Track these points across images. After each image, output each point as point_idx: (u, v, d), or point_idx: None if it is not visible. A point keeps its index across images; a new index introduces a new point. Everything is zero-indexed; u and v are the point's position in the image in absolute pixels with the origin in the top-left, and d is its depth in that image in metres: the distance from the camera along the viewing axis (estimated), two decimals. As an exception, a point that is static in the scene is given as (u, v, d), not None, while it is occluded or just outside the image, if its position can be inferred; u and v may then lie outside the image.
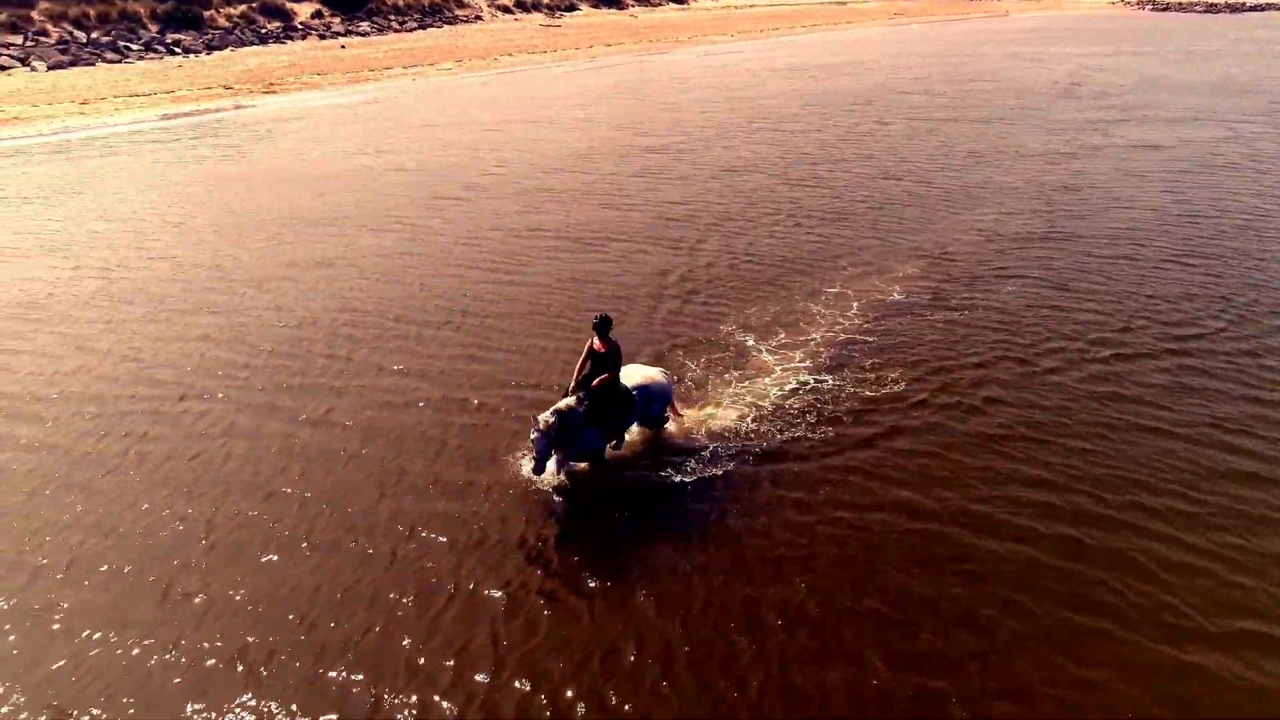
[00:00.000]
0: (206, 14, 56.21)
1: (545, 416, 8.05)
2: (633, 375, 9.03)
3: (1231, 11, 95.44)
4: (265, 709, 6.18)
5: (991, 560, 7.58)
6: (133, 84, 41.49)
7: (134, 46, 50.52)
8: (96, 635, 6.91)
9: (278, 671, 6.51)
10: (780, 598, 7.15)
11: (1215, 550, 7.69)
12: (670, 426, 9.45)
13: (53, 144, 29.85)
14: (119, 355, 12.16)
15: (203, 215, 19.80)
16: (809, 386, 10.51)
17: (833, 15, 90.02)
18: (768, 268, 15.07)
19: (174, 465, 9.37)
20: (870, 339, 11.86)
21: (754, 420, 9.70)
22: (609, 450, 8.93)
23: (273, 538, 8.10)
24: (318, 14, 63.21)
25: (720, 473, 8.78)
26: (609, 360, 8.42)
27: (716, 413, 9.89)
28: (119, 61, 48.56)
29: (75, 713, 6.20)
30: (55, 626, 7.00)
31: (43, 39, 47.93)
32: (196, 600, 7.31)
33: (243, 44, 55.91)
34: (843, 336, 11.92)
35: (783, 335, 12.00)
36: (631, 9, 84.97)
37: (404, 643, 6.79)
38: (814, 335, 11.95)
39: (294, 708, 6.18)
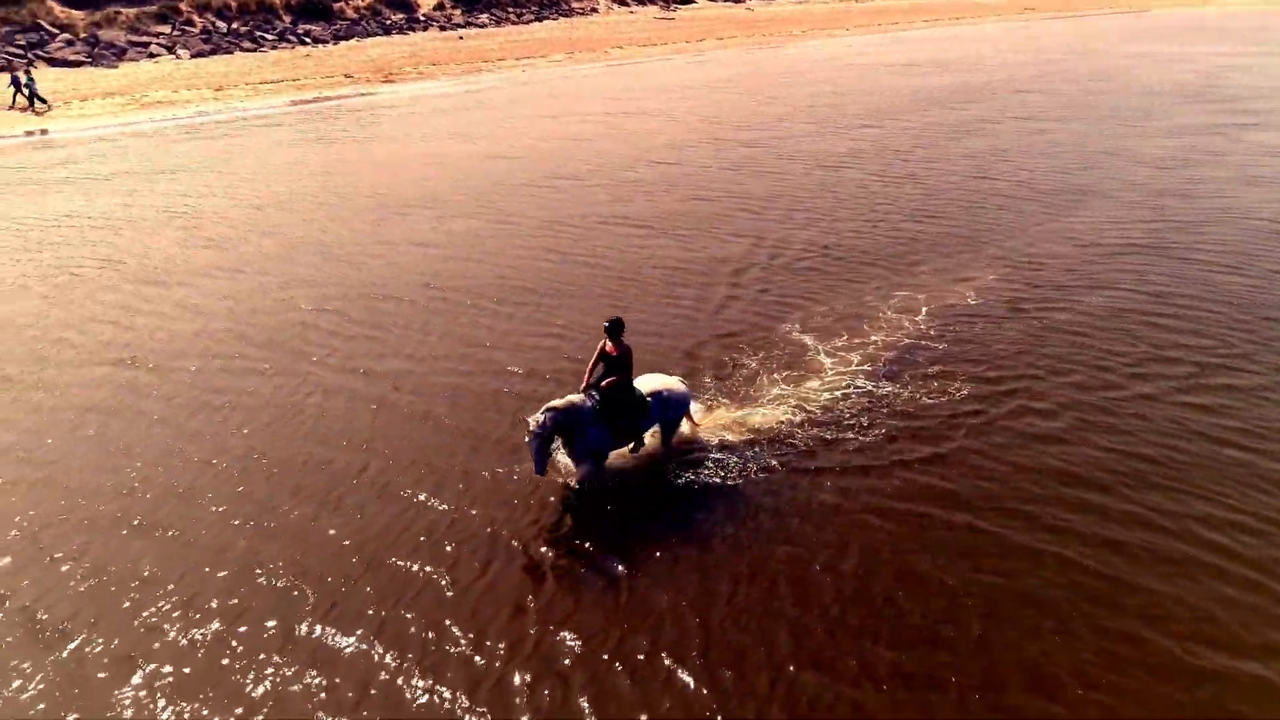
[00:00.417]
0: (336, 5, 58.88)
1: (537, 416, 7.91)
2: (649, 382, 8.92)
3: None
4: (319, 630, 6.66)
5: (1029, 558, 7.41)
6: (264, 72, 44.02)
7: (268, 36, 53.52)
8: (193, 559, 7.59)
9: (327, 600, 7.00)
10: (804, 598, 7.15)
11: (1273, 567, 7.32)
12: (684, 430, 9.33)
13: (188, 126, 32.06)
14: (227, 320, 13.22)
15: (313, 195, 21.05)
16: (862, 390, 10.35)
17: (957, 9, 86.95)
18: (844, 266, 14.89)
19: (268, 415, 10.31)
20: (937, 345, 11.58)
21: (798, 421, 9.62)
22: (627, 454, 8.89)
23: (352, 487, 8.79)
24: (439, 6, 65.25)
25: (754, 471, 8.75)
26: (620, 363, 8.38)
27: (758, 411, 9.84)
28: (254, 50, 51.56)
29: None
30: (165, 535, 7.72)
31: (189, 29, 51.26)
32: (276, 535, 8.04)
33: (368, 34, 58.39)
34: (907, 341, 11.68)
35: (844, 336, 11.85)
36: (748, 2, 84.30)
37: (446, 594, 7.26)
38: (876, 338, 11.74)
39: (343, 635, 6.65)
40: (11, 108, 34.17)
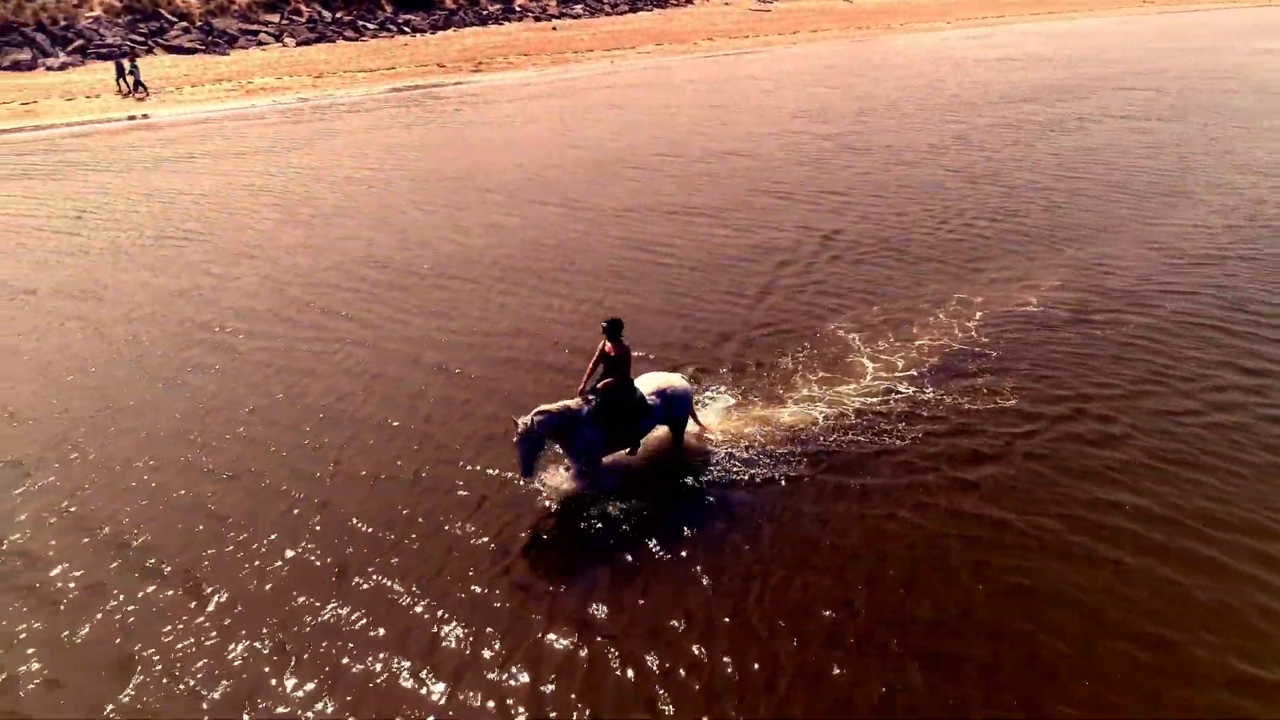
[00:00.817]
0: (435, -4, 60.35)
1: (526, 419, 7.83)
2: (651, 381, 8.75)
3: None
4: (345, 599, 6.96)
5: (1057, 581, 7.09)
6: (362, 60, 45.52)
7: (370, 25, 55.28)
8: (231, 521, 8.03)
9: (349, 574, 7.27)
10: (819, 601, 7.01)
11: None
12: (691, 429, 9.16)
13: (287, 111, 33.44)
14: (303, 299, 13.88)
15: (397, 179, 21.78)
16: (903, 395, 10.04)
17: (1069, 2, 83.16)
18: (904, 265, 14.49)
19: (341, 382, 10.94)
20: (989, 352, 11.13)
21: (830, 423, 9.41)
22: (625, 455, 8.75)
23: (412, 453, 9.23)
24: (535, -4, 66.14)
25: (776, 471, 8.61)
26: (618, 363, 8.22)
27: (788, 410, 9.68)
28: (356, 39, 53.35)
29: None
30: (243, 481, 8.20)
31: (296, 18, 53.38)
32: (315, 506, 8.43)
33: (464, 24, 59.70)
34: (957, 347, 11.27)
35: (891, 338, 11.52)
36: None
37: (468, 573, 7.44)
38: (923, 341, 11.37)
39: (397, 584, 6.91)
40: (119, 93, 36.25)
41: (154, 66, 42.87)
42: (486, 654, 6.58)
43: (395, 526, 8.09)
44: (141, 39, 46.56)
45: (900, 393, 10.14)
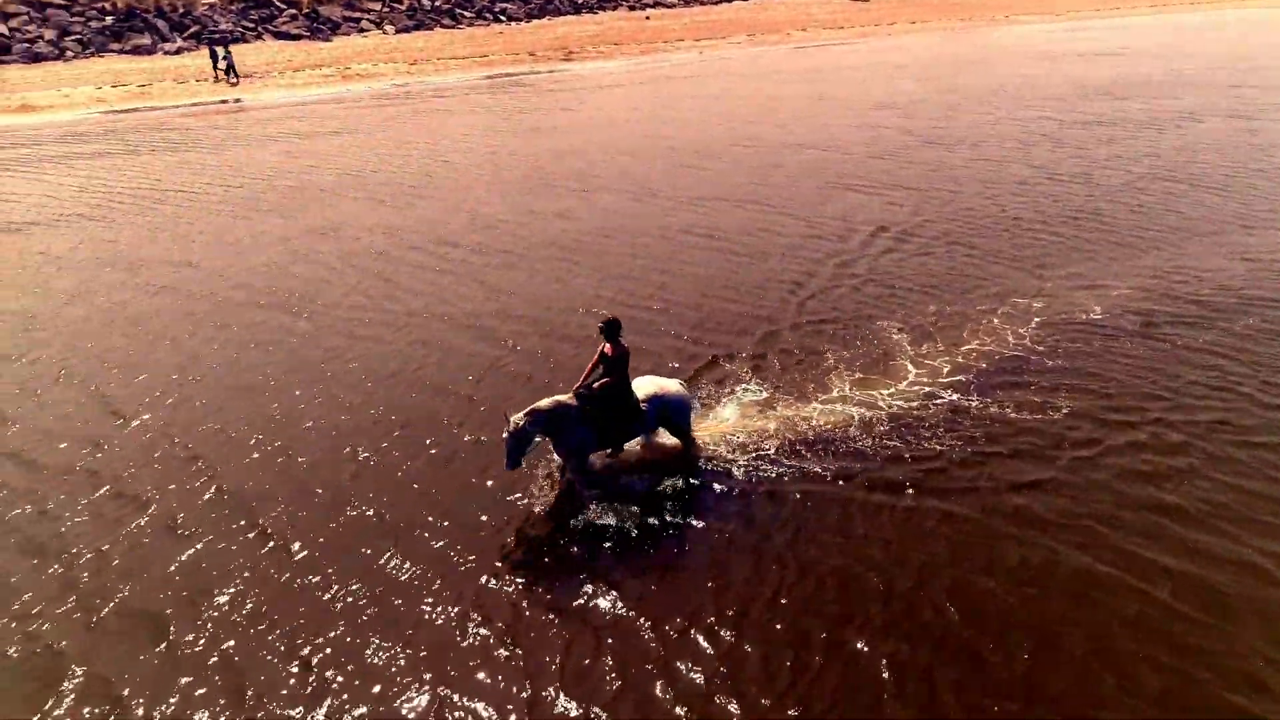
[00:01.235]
0: (532, -15, 61.06)
1: (518, 417, 7.83)
2: (645, 386, 8.56)
3: None
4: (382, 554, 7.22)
5: (1100, 586, 6.73)
6: (456, 48, 46.51)
7: (467, 13, 56.40)
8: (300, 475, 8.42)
9: (408, 532, 7.52)
10: (839, 609, 6.87)
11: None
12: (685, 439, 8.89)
13: (379, 95, 34.49)
14: (377, 276, 14.52)
15: (474, 164, 22.36)
16: (944, 400, 9.68)
17: (1195, -7, 78.36)
18: (970, 265, 13.95)
19: (393, 361, 11.32)
20: (1044, 361, 10.61)
21: (863, 425, 9.14)
22: (606, 456, 8.64)
23: (452, 437, 9.43)
24: (630, -14, 66.22)
25: (799, 472, 8.43)
26: (614, 364, 8.09)
27: (816, 409, 9.44)
28: (453, 27, 54.53)
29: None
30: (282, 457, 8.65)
31: (397, 5, 54.88)
32: (362, 463, 8.72)
33: (559, 13, 60.27)
34: (1009, 353, 10.79)
35: (939, 340, 11.14)
36: (952, -17, 79.79)
37: (499, 546, 7.56)
38: (973, 346, 10.94)
39: (412, 565, 7.14)
40: (213, 79, 37.97)
41: (261, 52, 44.83)
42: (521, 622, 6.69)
43: (449, 491, 8.36)
44: (252, 25, 48.69)
45: (941, 399, 9.77)
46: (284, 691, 6.27)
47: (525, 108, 31.33)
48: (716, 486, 8.32)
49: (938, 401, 9.72)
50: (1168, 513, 7.81)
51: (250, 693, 6.26)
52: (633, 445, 8.85)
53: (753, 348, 11.16)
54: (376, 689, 6.25)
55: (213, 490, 8.63)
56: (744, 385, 10.10)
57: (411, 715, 6.04)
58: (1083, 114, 26.77)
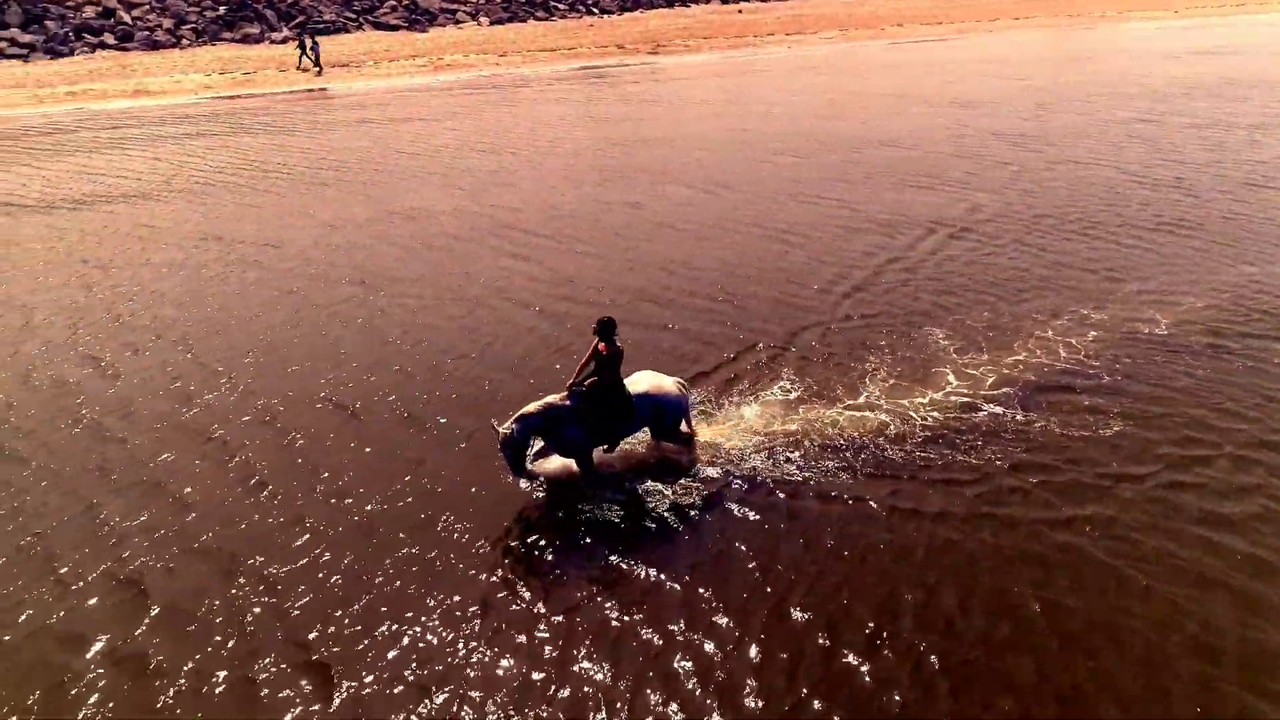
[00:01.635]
0: (626, -22, 61.26)
1: (507, 425, 7.80)
2: (641, 383, 8.42)
3: None
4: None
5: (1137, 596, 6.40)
6: (547, 40, 47.08)
7: (560, 5, 57.00)
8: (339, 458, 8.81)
9: (435, 520, 7.77)
10: (863, 621, 6.74)
11: None
12: (683, 441, 8.74)
13: (468, 84, 35.26)
14: (450, 258, 15.04)
15: (546, 152, 22.89)
16: (984, 413, 9.26)
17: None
18: (1035, 271, 13.34)
19: (460, 342, 11.63)
20: (1099, 377, 9.99)
21: (893, 434, 8.83)
22: (600, 454, 8.54)
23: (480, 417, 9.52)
24: (725, -21, 65.73)
25: (809, 474, 8.23)
26: (606, 363, 8.01)
27: (841, 413, 9.19)
28: (546, 19, 55.22)
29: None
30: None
31: (492, -2, 55.92)
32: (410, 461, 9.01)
33: (652, 6, 60.32)
34: (1061, 366, 10.27)
35: (986, 349, 10.70)
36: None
37: (522, 527, 7.72)
38: (1021, 356, 10.46)
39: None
40: (299, 68, 39.33)
41: (360, 42, 46.36)
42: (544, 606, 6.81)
43: (477, 483, 8.47)
44: (354, 16, 50.39)
45: (980, 411, 9.36)
46: (332, 629, 6.65)
47: (606, 99, 31.53)
48: (730, 487, 8.19)
49: (977, 414, 9.33)
50: (1226, 555, 7.22)
51: (301, 625, 6.66)
52: (635, 445, 8.79)
53: (792, 342, 11.07)
54: (415, 630, 6.61)
55: (288, 449, 9.13)
56: (779, 383, 9.93)
57: (440, 664, 6.29)
58: (1187, 116, 25.29)
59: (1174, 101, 27.67)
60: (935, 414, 9.30)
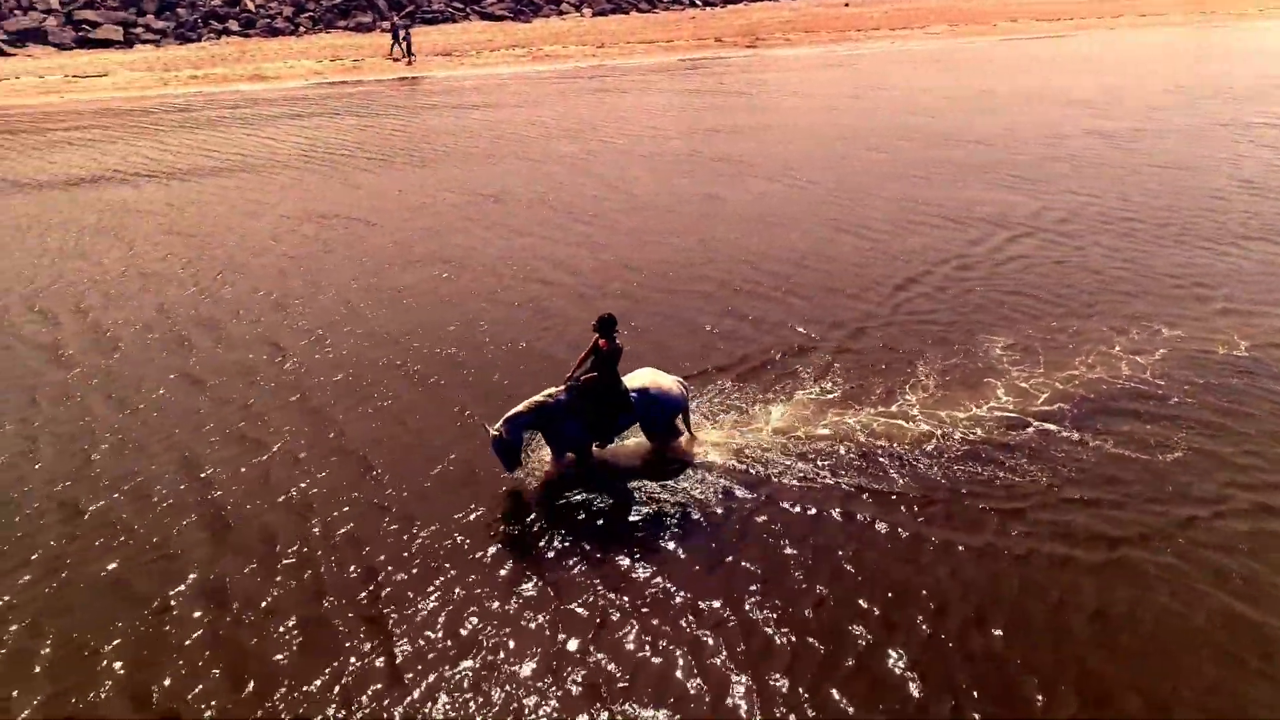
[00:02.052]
0: (731, -31, 60.66)
1: (497, 427, 7.86)
2: (637, 379, 8.33)
3: None
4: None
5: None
6: (646, 32, 47.19)
7: (663, -2, 56.95)
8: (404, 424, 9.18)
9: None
10: (889, 630, 6.59)
11: None
12: (681, 442, 8.61)
13: (564, 74, 35.72)
14: (525, 243, 15.32)
15: (631, 142, 23.04)
16: (1031, 429, 8.85)
17: None
18: (1115, 279, 12.69)
19: (521, 331, 11.73)
20: (1165, 398, 9.34)
21: (930, 447, 8.53)
22: (595, 449, 8.50)
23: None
24: (833, -29, 64.30)
25: (825, 480, 8.07)
26: (604, 359, 8.00)
27: (873, 419, 8.95)
28: (649, 11, 55.31)
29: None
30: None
31: (597, -11, 56.27)
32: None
33: (755, -1, 59.58)
34: (1121, 384, 9.70)
35: (1043, 362, 10.20)
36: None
37: (529, 515, 7.82)
38: (1079, 371, 9.92)
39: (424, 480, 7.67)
40: (390, 57, 40.34)
41: (466, 32, 47.50)
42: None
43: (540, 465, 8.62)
44: (460, 6, 51.62)
45: (1028, 427, 8.96)
46: (360, 596, 6.94)
47: (698, 90, 31.41)
48: (743, 488, 8.10)
49: (1023, 431, 8.92)
50: None
51: (328, 597, 6.96)
52: (638, 445, 8.76)
53: (843, 341, 10.99)
54: (435, 604, 6.82)
55: (334, 433, 9.27)
56: (821, 382, 9.76)
57: (452, 636, 6.51)
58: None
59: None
60: (975, 428, 8.95)
